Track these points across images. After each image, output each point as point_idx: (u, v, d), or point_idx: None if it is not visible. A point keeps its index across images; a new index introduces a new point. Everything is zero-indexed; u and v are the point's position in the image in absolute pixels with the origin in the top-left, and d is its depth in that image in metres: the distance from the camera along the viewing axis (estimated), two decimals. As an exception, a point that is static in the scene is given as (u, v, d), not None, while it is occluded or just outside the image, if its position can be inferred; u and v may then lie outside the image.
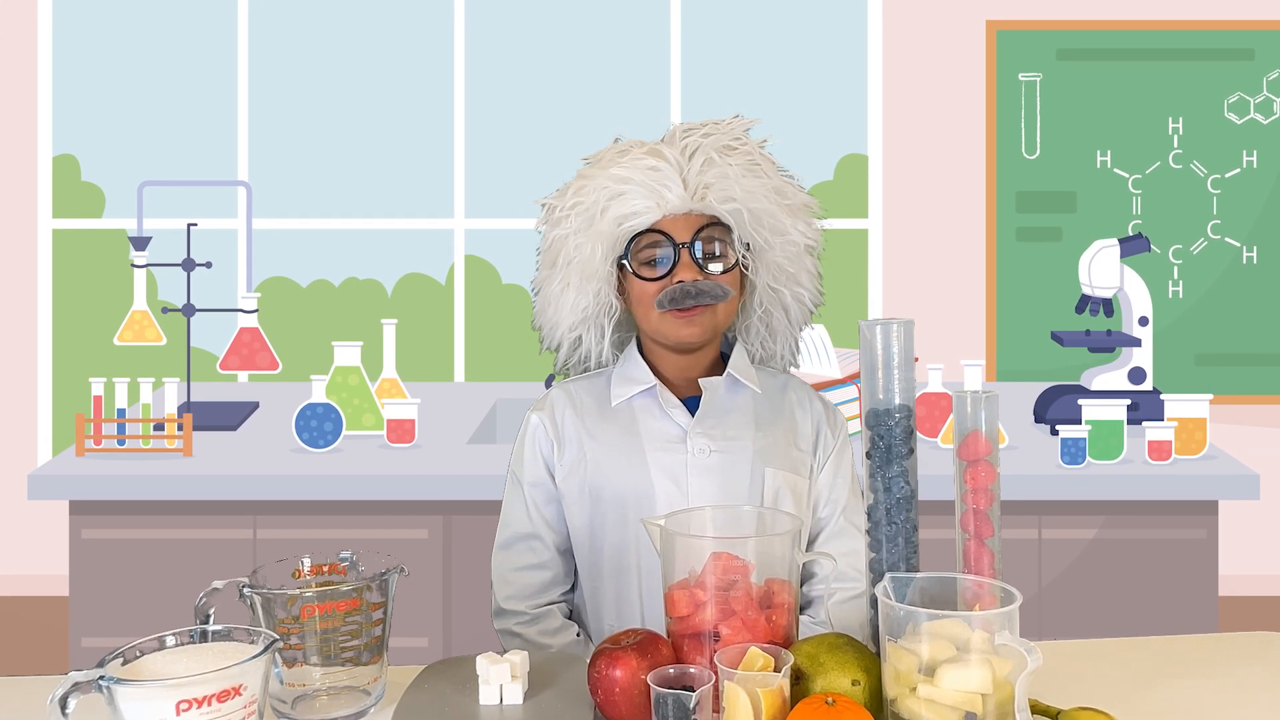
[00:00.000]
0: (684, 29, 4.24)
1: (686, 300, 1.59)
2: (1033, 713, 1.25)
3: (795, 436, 1.69)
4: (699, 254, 1.60)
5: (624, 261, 1.63)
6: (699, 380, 1.66)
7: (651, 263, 1.62)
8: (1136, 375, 2.96)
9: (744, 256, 1.63)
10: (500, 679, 1.30)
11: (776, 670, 1.21)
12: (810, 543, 1.70)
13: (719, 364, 1.72)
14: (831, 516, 1.71)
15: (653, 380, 1.67)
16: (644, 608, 1.62)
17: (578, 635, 1.67)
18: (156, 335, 2.94)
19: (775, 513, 1.43)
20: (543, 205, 1.70)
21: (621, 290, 1.68)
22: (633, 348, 1.71)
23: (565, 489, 1.68)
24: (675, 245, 1.60)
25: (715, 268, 1.61)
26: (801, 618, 1.66)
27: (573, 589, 1.73)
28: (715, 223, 1.61)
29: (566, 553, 1.71)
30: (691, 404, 1.67)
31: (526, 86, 4.25)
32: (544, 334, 1.75)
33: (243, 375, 3.51)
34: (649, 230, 1.61)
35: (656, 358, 1.69)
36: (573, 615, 1.72)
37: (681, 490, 1.62)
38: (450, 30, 4.24)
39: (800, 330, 1.76)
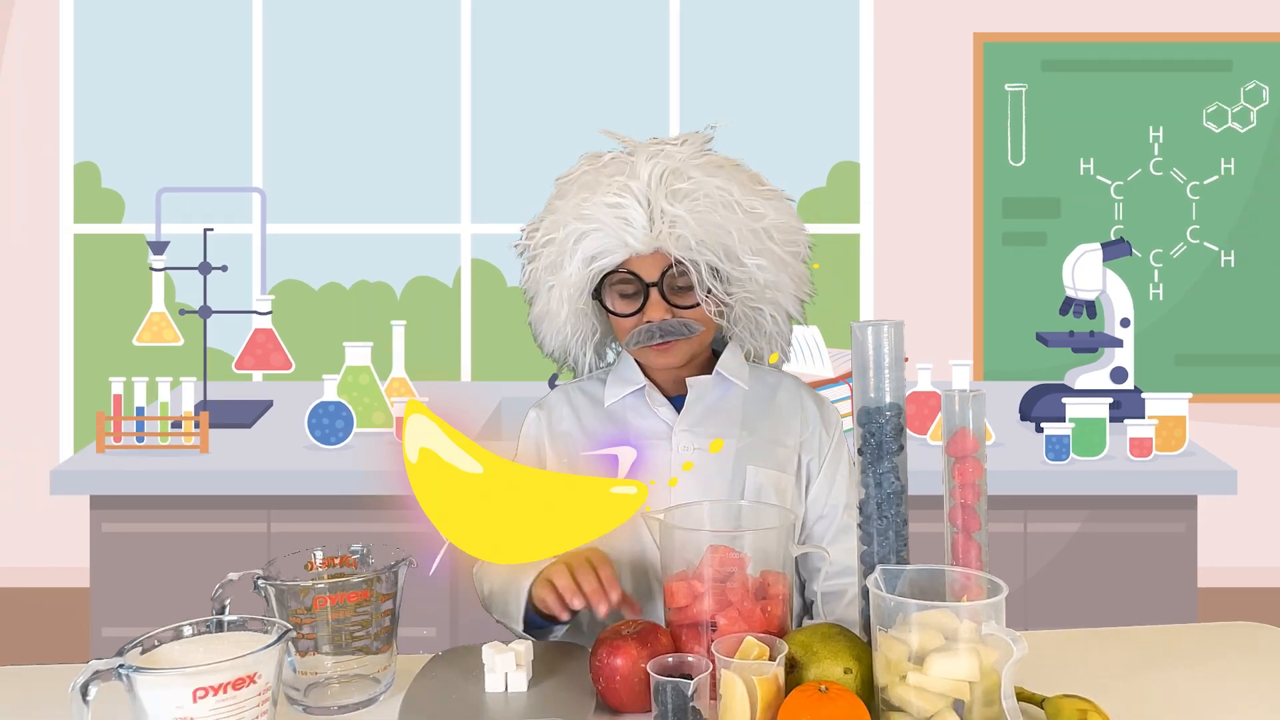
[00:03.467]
0: (682, 42, 4.24)
1: (654, 340, 1.57)
2: (1018, 700, 1.25)
3: (782, 434, 1.67)
4: (666, 292, 1.57)
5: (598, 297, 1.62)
6: (686, 380, 1.65)
7: (623, 299, 1.60)
8: (1118, 375, 2.96)
9: (714, 288, 1.58)
10: (505, 667, 1.30)
11: (771, 659, 1.21)
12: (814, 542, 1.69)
13: (712, 362, 1.70)
14: (834, 515, 1.69)
15: (643, 381, 1.66)
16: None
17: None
18: (174, 336, 2.94)
19: (772, 507, 1.43)
20: (515, 246, 1.70)
21: (601, 312, 1.67)
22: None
23: None
24: (644, 284, 1.57)
25: (684, 303, 1.58)
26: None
27: None
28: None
29: None
30: (680, 403, 1.66)
31: (530, 97, 4.25)
32: (538, 344, 1.75)
33: (257, 375, 3.51)
34: (617, 270, 1.58)
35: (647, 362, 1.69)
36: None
37: (665, 487, 1.61)
38: (456, 42, 4.23)
39: (790, 327, 1.74)
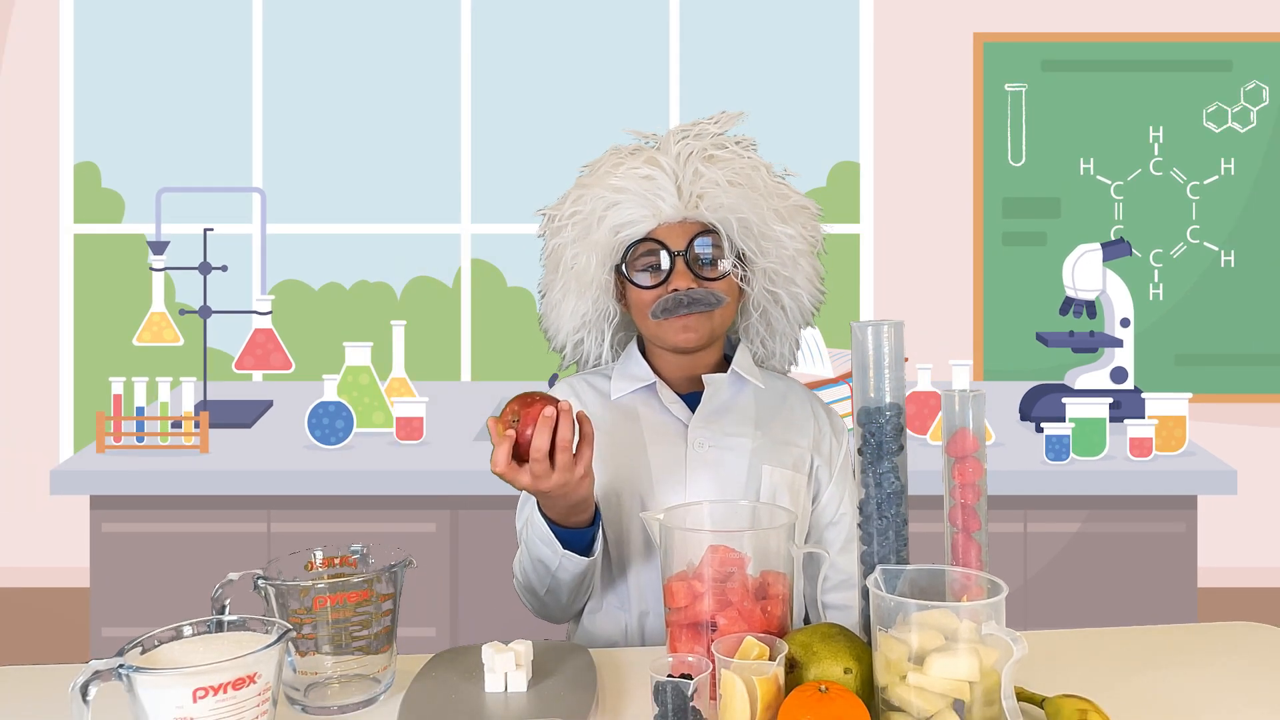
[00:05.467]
0: (683, 43, 4.24)
1: (679, 309, 1.57)
2: (1018, 700, 1.25)
3: (794, 434, 1.67)
4: (693, 261, 1.59)
5: (621, 270, 1.63)
6: (703, 376, 1.65)
7: (648, 270, 1.61)
8: (1118, 375, 2.96)
9: (736, 265, 1.61)
10: (505, 667, 1.30)
11: (771, 659, 1.20)
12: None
13: (722, 365, 1.70)
14: (844, 523, 1.69)
15: (653, 378, 1.66)
16: (643, 598, 1.61)
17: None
18: (174, 336, 2.95)
19: (770, 507, 1.43)
20: (543, 214, 1.70)
21: (621, 295, 1.67)
22: (634, 346, 1.70)
23: None
24: (671, 253, 1.59)
25: (709, 274, 1.60)
26: None
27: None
28: (710, 230, 1.60)
29: None
30: (690, 400, 1.66)
31: (530, 98, 4.26)
32: (549, 336, 1.74)
33: (257, 375, 3.52)
34: (645, 239, 1.60)
35: (657, 359, 1.68)
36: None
37: (680, 484, 1.61)
38: (456, 43, 4.23)
39: (800, 329, 1.74)
